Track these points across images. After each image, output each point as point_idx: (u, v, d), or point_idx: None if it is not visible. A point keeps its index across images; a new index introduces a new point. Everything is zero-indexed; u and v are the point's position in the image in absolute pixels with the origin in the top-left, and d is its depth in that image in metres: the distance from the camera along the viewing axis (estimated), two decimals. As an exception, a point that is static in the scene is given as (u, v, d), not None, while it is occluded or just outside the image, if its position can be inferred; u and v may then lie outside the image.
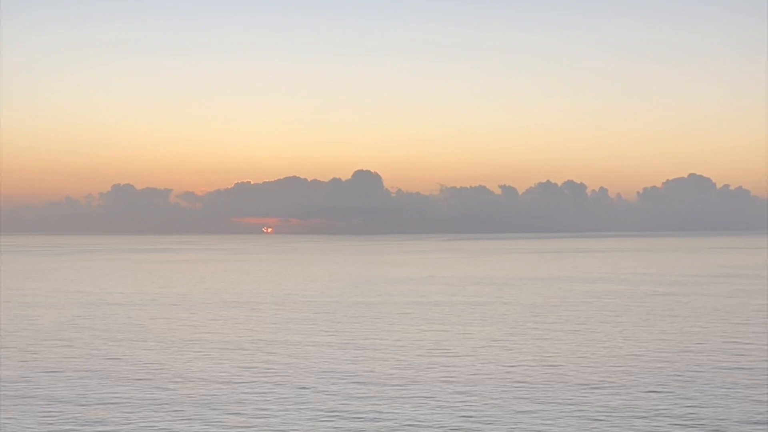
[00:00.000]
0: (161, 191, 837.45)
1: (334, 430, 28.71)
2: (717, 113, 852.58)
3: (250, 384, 36.33)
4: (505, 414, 30.61)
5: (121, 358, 43.92)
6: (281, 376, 38.11)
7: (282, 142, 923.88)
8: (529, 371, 39.01)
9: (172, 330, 55.95)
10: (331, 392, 34.49)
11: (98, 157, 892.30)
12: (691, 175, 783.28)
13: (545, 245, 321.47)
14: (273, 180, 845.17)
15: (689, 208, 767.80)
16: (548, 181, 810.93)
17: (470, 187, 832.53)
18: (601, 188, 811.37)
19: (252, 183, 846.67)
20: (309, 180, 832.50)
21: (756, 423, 29.25)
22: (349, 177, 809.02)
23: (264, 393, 34.42)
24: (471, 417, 30.19)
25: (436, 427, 28.86)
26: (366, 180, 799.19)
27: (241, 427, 29.07)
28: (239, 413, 30.92)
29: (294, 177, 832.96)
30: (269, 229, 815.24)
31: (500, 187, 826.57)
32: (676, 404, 31.96)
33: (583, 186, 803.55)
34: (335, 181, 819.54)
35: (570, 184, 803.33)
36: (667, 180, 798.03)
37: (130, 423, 29.59)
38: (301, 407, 31.85)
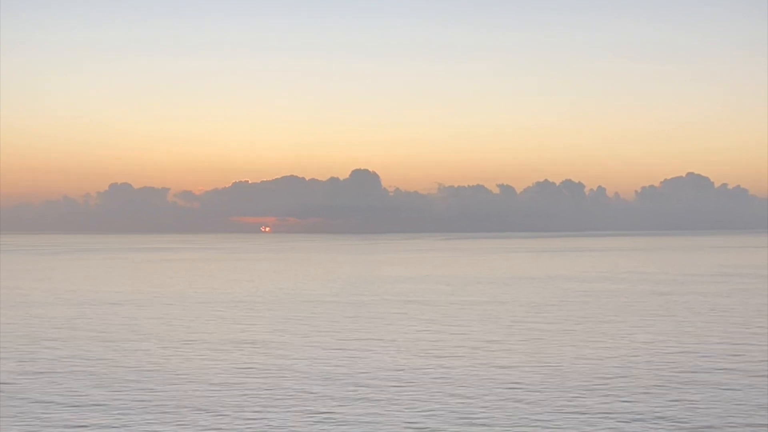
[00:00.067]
0: (159, 190, 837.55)
1: (331, 429, 28.60)
2: (715, 112, 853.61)
3: (247, 384, 36.21)
4: (503, 414, 30.51)
5: (119, 357, 43.80)
6: (278, 376, 38.00)
7: (280, 141, 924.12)
8: (526, 371, 38.91)
9: (169, 329, 55.84)
10: (328, 392, 34.38)
11: (96, 156, 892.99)
12: (689, 174, 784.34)
13: (543, 244, 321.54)
14: (271, 179, 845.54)
15: (687, 207, 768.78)
16: (546, 180, 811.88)
17: (468, 186, 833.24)
18: (599, 187, 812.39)
19: (250, 182, 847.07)
20: (307, 179, 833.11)
21: (755, 423, 29.15)
22: (347, 176, 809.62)
23: (261, 393, 34.31)
24: (468, 417, 30.09)
25: (434, 428, 28.76)
26: (364, 179, 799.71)
27: (238, 427, 28.95)
28: (237, 413, 30.81)
29: (292, 176, 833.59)
30: (267, 229, 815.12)
31: (498, 186, 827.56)
32: (674, 404, 31.87)
33: (581, 185, 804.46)
34: (333, 181, 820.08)
35: (568, 183, 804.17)
36: (665, 179, 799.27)
37: (127, 422, 29.48)
38: (298, 407, 31.74)
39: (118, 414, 30.87)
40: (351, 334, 52.63)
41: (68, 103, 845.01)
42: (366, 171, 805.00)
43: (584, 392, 34.15)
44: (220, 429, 28.88)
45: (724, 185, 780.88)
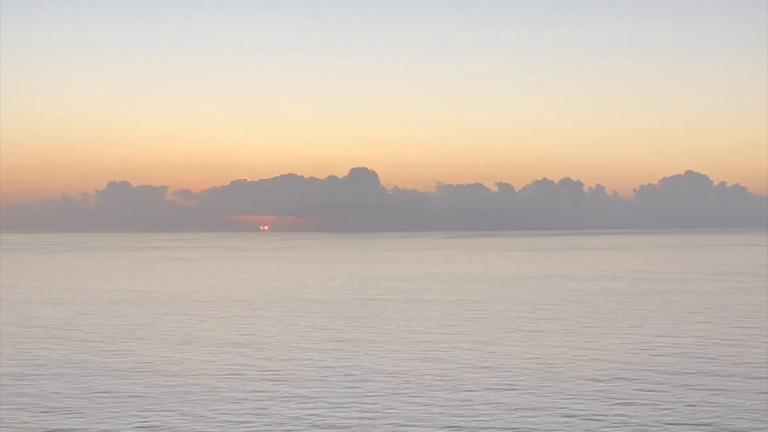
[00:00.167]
0: (157, 189, 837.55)
1: (329, 428, 28.58)
2: (714, 111, 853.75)
3: (244, 382, 36.18)
4: (500, 413, 30.49)
5: (117, 356, 43.76)
6: (276, 375, 37.97)
7: (278, 140, 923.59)
8: (524, 369, 38.89)
9: (167, 328, 55.80)
10: (325, 391, 34.35)
11: (94, 154, 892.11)
12: (688, 172, 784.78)
13: (542, 243, 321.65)
14: (269, 177, 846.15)
15: (686, 205, 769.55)
16: (545, 178, 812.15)
17: (467, 184, 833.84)
18: (598, 185, 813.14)
19: (248, 180, 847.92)
20: (306, 178, 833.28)
21: (753, 422, 29.13)
22: (346, 174, 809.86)
23: (259, 391, 34.28)
24: (466, 416, 30.07)
25: (431, 426, 28.73)
26: (362, 177, 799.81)
27: (237, 426, 28.92)
28: (235, 412, 30.77)
29: (290, 174, 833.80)
30: (266, 227, 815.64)
31: (497, 184, 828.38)
32: (672, 403, 31.84)
33: (579, 183, 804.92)
34: (332, 179, 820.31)
35: (567, 182, 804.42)
36: (664, 177, 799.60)
37: (126, 421, 29.44)
38: (296, 406, 31.71)
39: (117, 413, 30.83)
40: (349, 333, 52.61)
41: (66, 102, 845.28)
42: (365, 169, 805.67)
43: (583, 392, 34.11)
44: (219, 427, 28.85)
45: (723, 184, 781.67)
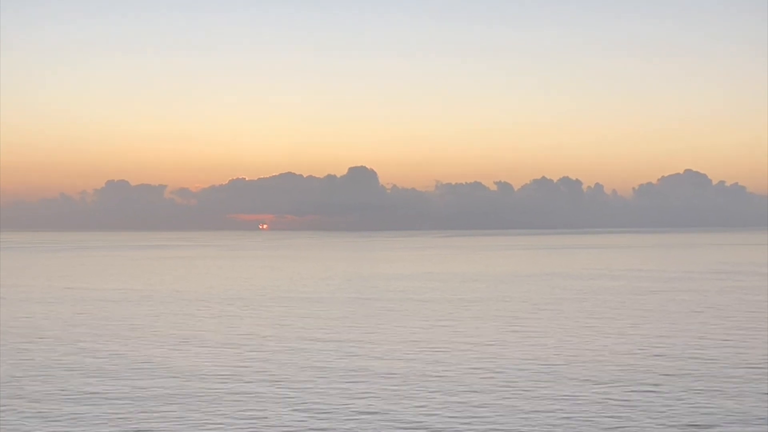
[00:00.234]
0: (156, 187, 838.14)
1: (326, 428, 28.52)
2: (713, 109, 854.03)
3: (243, 381, 36.12)
4: (499, 412, 30.43)
5: (116, 354, 43.70)
6: (274, 373, 37.92)
7: (277, 139, 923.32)
8: (523, 368, 38.83)
9: (166, 326, 55.75)
10: (324, 389, 34.30)
11: (92, 153, 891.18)
12: (687, 171, 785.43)
13: (541, 241, 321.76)
14: (268, 176, 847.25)
15: (685, 204, 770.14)
16: (544, 177, 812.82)
17: (465, 183, 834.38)
18: (597, 184, 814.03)
19: (247, 179, 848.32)
20: (304, 176, 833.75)
21: (752, 420, 29.09)
22: (344, 173, 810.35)
23: (257, 390, 34.22)
24: (465, 415, 30.02)
25: (430, 426, 28.68)
26: (361, 176, 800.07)
27: (235, 424, 28.86)
28: (234, 410, 30.71)
29: (289, 173, 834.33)
30: (264, 226, 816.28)
31: (496, 183, 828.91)
32: (671, 402, 31.80)
33: (578, 182, 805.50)
34: (330, 178, 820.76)
35: (565, 181, 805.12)
36: (663, 176, 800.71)
37: (124, 419, 29.38)
38: (294, 404, 31.65)
39: (116, 411, 30.77)
40: (348, 332, 52.55)
41: (65, 101, 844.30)
42: (363, 168, 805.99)
43: (581, 389, 34.06)
44: (217, 426, 28.79)
45: (722, 182, 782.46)
